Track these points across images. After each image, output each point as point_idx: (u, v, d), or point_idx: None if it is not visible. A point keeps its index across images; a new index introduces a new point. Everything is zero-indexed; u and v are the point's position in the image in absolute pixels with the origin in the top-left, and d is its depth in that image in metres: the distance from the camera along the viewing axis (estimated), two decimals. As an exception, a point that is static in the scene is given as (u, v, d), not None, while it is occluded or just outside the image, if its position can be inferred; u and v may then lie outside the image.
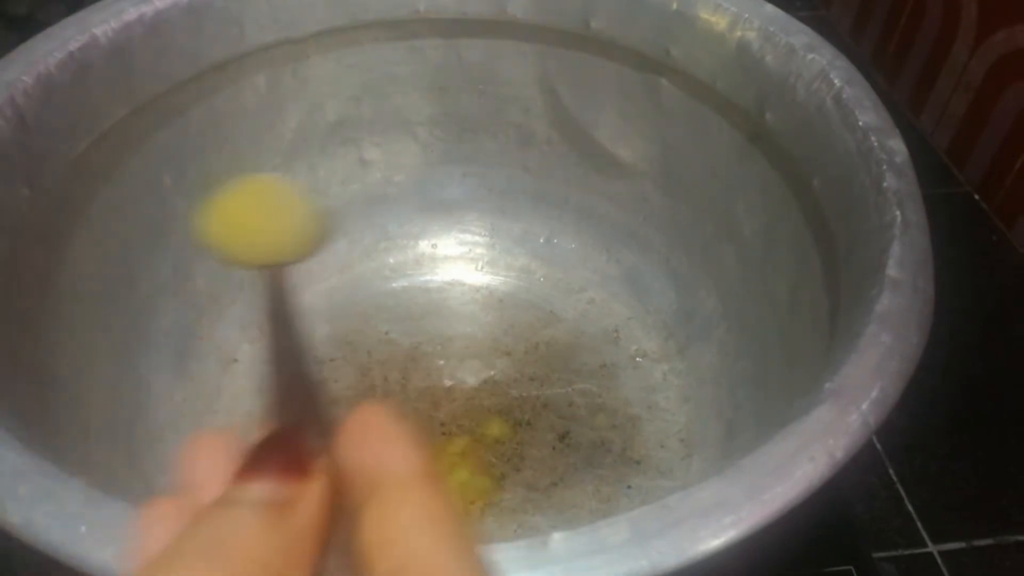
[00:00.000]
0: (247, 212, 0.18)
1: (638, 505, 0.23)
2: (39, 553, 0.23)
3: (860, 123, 0.35)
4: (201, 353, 0.46)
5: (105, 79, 0.39)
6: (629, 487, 0.42)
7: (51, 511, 0.23)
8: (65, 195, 0.37)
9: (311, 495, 0.17)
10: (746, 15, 0.40)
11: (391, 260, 0.53)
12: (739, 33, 0.40)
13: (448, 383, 0.46)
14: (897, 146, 0.34)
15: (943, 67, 0.64)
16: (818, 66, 0.37)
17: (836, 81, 0.37)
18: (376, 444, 0.17)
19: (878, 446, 0.47)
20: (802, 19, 0.40)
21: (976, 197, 0.62)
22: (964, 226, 0.60)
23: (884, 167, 0.33)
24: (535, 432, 0.44)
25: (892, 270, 0.30)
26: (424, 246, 0.53)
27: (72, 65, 0.37)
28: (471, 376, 0.47)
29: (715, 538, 0.23)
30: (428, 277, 0.52)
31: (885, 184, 0.33)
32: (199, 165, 0.45)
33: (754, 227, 0.42)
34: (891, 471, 0.46)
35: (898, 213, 0.32)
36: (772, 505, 0.23)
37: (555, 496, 0.42)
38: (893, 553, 0.43)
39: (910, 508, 0.45)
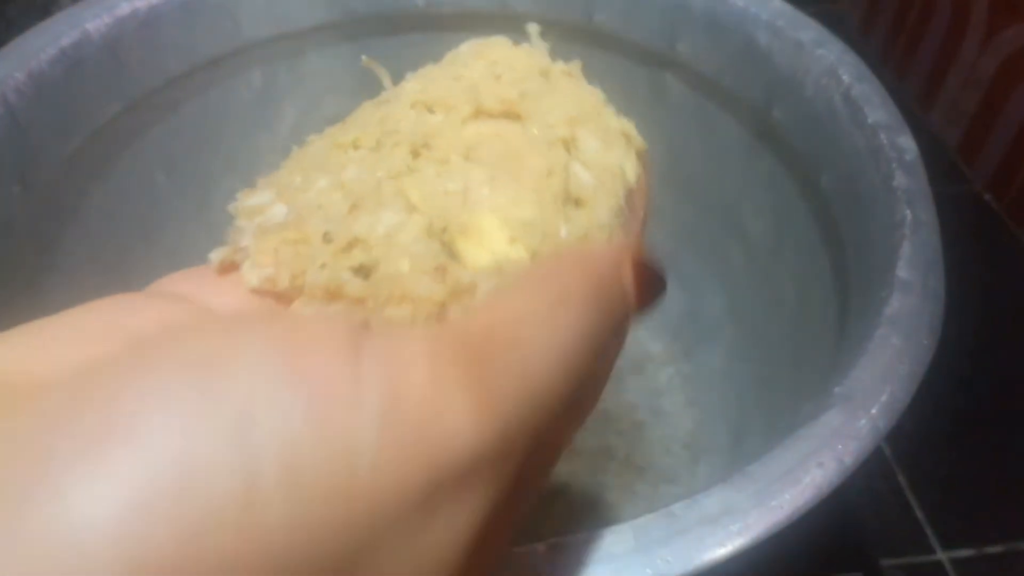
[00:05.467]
0: None
1: (643, 512, 0.23)
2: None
3: (869, 120, 0.35)
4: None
5: (97, 75, 0.38)
6: (634, 493, 0.42)
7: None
8: (57, 192, 0.37)
9: None
10: (753, 9, 0.39)
11: (391, 260, 0.52)
12: (746, 28, 0.39)
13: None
14: (907, 144, 0.34)
15: (953, 64, 0.64)
16: (827, 62, 0.37)
17: (845, 77, 0.36)
18: None
19: (887, 451, 0.47)
20: (810, 14, 0.39)
21: (986, 196, 0.61)
22: (974, 225, 0.60)
23: (893, 165, 0.33)
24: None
25: (902, 271, 0.29)
26: (424, 246, 0.53)
27: (64, 61, 0.37)
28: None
29: (722, 546, 0.22)
30: (428, 277, 0.52)
31: (895, 182, 0.32)
32: (193, 162, 0.44)
33: (761, 226, 0.42)
34: (900, 476, 0.46)
35: (908, 212, 0.31)
36: (780, 512, 0.23)
37: (558, 503, 0.41)
38: (902, 560, 0.42)
39: (919, 514, 0.44)
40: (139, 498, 0.11)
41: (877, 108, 0.35)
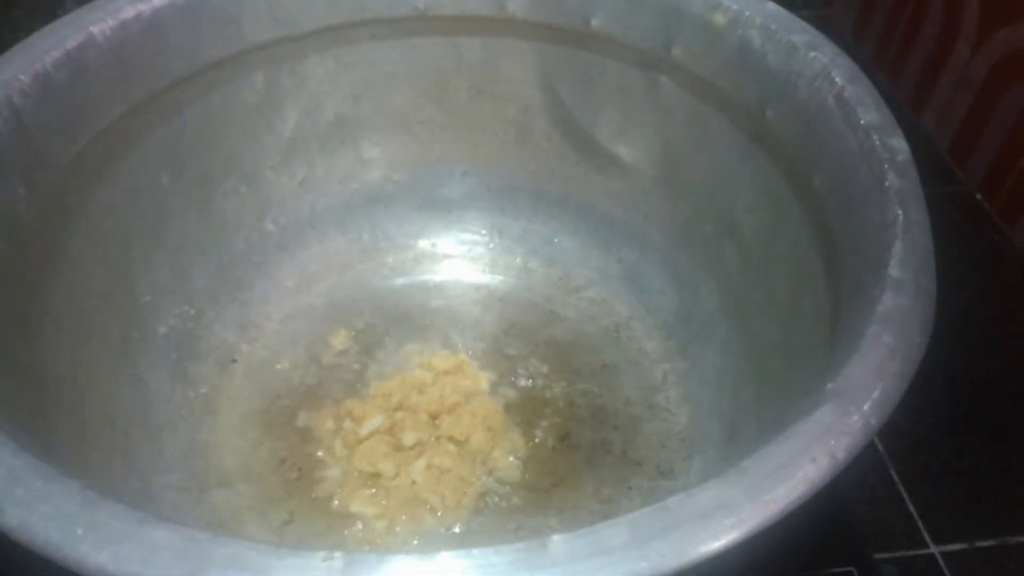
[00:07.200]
0: None
1: (639, 506, 0.23)
2: (36, 555, 0.23)
3: (862, 121, 0.35)
4: (199, 353, 0.46)
5: (102, 78, 0.38)
6: (630, 488, 0.42)
7: (48, 513, 0.23)
8: (62, 194, 0.37)
9: None
10: (747, 13, 0.40)
11: (390, 259, 0.53)
12: (740, 31, 0.40)
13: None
14: (899, 145, 0.34)
15: (945, 66, 0.64)
16: (820, 64, 0.37)
17: (838, 79, 0.37)
18: None
19: (880, 447, 0.47)
20: (804, 17, 0.40)
21: (978, 196, 0.62)
22: (965, 225, 0.60)
23: (886, 166, 0.33)
24: (535, 432, 0.44)
25: (894, 270, 0.29)
26: (423, 245, 0.53)
27: (69, 64, 0.37)
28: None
29: (716, 540, 0.23)
30: (427, 276, 0.52)
31: (887, 183, 0.33)
32: (197, 164, 0.44)
33: (755, 226, 0.42)
34: (892, 472, 0.46)
35: (900, 212, 0.31)
36: (773, 506, 0.23)
37: (555, 497, 0.42)
38: (895, 554, 0.43)
39: (912, 509, 0.44)
40: None
41: (870, 109, 0.36)
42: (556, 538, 0.22)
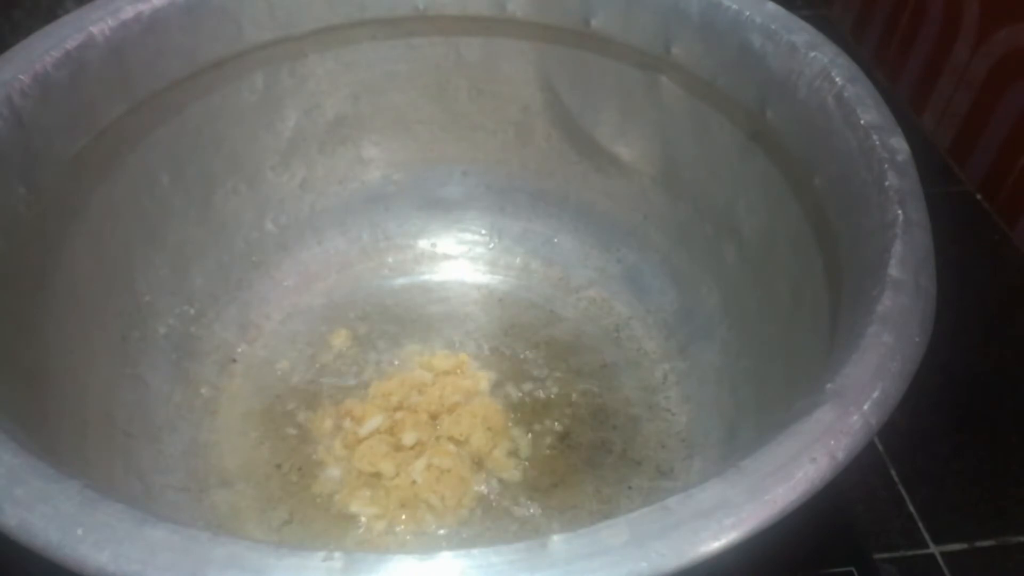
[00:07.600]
0: None
1: (639, 506, 0.23)
2: (36, 555, 0.23)
3: (862, 121, 0.35)
4: (199, 353, 0.46)
5: (102, 78, 0.38)
6: (630, 488, 0.42)
7: (47, 513, 0.23)
8: (62, 194, 0.37)
9: None
10: (747, 13, 0.40)
11: (390, 259, 0.53)
12: (740, 31, 0.40)
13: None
14: (899, 144, 0.34)
15: (945, 66, 0.64)
16: (819, 64, 0.37)
17: (838, 79, 0.37)
18: None
19: (879, 446, 0.47)
20: (804, 18, 0.40)
21: (978, 196, 0.62)
22: (965, 225, 0.60)
23: (886, 165, 0.33)
24: (535, 432, 0.44)
25: (894, 269, 0.29)
26: (423, 245, 0.53)
27: (69, 64, 0.37)
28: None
29: (715, 540, 0.23)
30: (427, 276, 0.52)
31: (887, 183, 0.33)
32: (197, 164, 0.45)
33: (755, 226, 0.42)
34: (892, 472, 0.46)
35: (900, 212, 0.31)
36: (773, 506, 0.23)
37: (555, 497, 0.42)
38: (895, 554, 0.43)
39: (912, 509, 0.44)
40: None
41: (870, 109, 0.36)
42: (556, 538, 0.22)
